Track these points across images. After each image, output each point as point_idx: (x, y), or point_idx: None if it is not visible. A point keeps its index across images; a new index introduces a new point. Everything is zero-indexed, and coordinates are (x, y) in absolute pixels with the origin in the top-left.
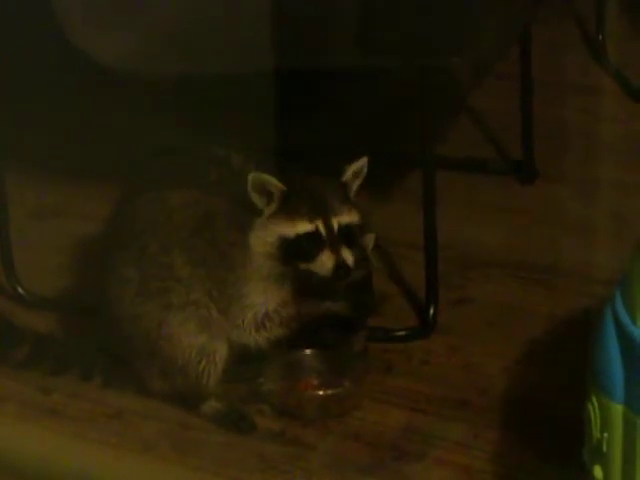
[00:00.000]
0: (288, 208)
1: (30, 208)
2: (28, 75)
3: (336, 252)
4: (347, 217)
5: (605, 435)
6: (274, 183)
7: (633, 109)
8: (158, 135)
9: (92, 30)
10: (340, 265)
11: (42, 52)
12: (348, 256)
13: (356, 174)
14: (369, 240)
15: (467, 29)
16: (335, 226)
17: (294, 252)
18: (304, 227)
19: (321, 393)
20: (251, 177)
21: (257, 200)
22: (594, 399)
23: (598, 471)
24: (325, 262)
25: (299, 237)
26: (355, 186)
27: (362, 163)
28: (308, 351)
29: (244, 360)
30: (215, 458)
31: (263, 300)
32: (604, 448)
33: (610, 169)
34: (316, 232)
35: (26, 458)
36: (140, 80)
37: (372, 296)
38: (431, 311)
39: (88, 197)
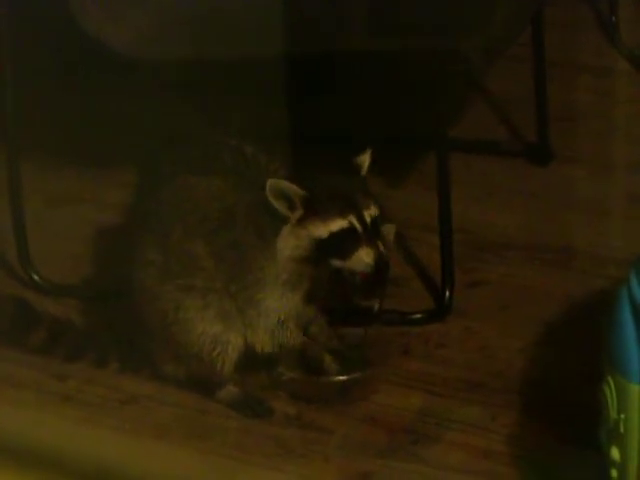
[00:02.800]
0: (316, 209)
1: (45, 195)
2: (43, 63)
3: (374, 246)
4: (374, 210)
5: (622, 416)
6: (293, 189)
7: None
8: (172, 122)
9: (103, 15)
10: (380, 258)
11: (56, 39)
12: (384, 249)
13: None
14: (389, 231)
15: (479, 12)
16: (368, 220)
17: (330, 251)
18: (337, 224)
19: (340, 379)
20: (269, 184)
21: (278, 206)
22: (610, 380)
23: (615, 452)
24: (364, 257)
25: (333, 235)
26: None
27: (369, 153)
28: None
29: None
30: (231, 443)
31: (278, 307)
32: (621, 429)
33: (624, 150)
34: (351, 227)
35: (42, 444)
36: (153, 67)
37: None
38: (447, 294)
39: (103, 184)
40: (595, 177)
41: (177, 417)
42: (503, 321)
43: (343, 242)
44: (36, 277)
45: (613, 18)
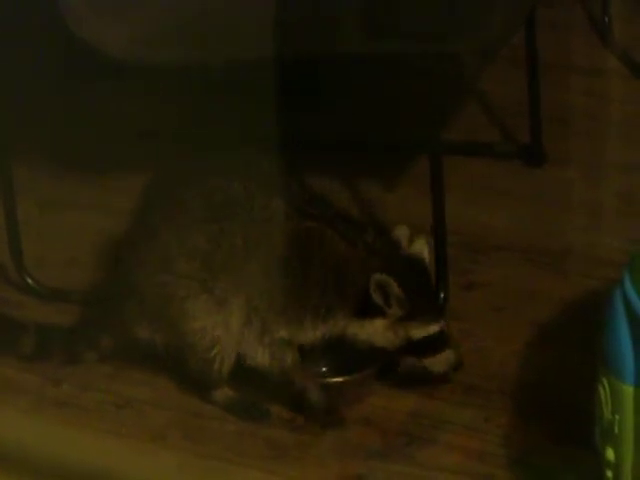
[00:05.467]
0: (413, 312)
1: (39, 200)
2: (37, 67)
3: (456, 349)
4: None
5: (616, 417)
6: (396, 291)
7: None
8: (166, 126)
9: (96, 20)
10: (458, 360)
11: (50, 42)
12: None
13: None
14: (403, 233)
15: (472, 14)
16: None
17: (419, 350)
18: (434, 329)
19: (334, 381)
20: (376, 279)
21: (378, 299)
22: (605, 381)
23: (610, 453)
24: (449, 359)
25: (428, 338)
26: None
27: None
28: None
29: None
30: (226, 446)
31: (287, 334)
32: (615, 430)
33: (618, 151)
34: (441, 331)
35: (37, 450)
36: (144, 70)
37: None
38: (441, 296)
39: (97, 189)
40: (588, 178)
41: (172, 420)
42: (497, 323)
43: (433, 343)
44: (30, 281)
45: (606, 19)
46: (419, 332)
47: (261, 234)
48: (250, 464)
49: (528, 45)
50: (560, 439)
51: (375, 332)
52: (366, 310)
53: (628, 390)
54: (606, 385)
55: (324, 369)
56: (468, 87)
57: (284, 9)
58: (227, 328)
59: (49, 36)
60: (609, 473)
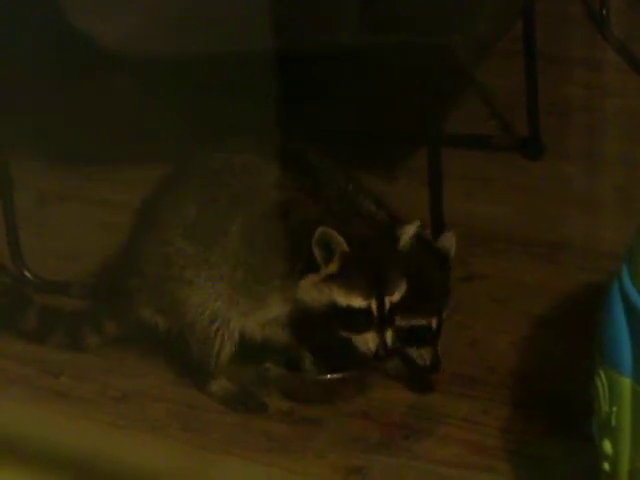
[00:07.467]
0: (346, 276)
1: (36, 193)
2: (32, 60)
3: (381, 334)
4: (397, 295)
5: (614, 409)
6: (340, 242)
7: (638, 83)
8: (160, 119)
9: (94, 12)
10: (382, 347)
11: (44, 35)
12: (390, 338)
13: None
14: (450, 239)
15: (467, 6)
16: (387, 307)
17: (341, 320)
18: (358, 302)
19: (327, 377)
20: (319, 232)
21: (318, 254)
22: (602, 373)
23: (607, 445)
24: (368, 341)
25: (350, 309)
26: None
27: (416, 226)
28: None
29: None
30: (224, 438)
31: (276, 307)
32: (613, 422)
33: (616, 144)
34: (368, 310)
35: (35, 441)
36: (141, 63)
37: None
38: None
39: (94, 181)
40: (586, 170)
41: (171, 412)
42: (495, 315)
43: (356, 318)
44: (28, 274)
45: (603, 11)
46: (341, 298)
47: (241, 206)
48: (249, 456)
49: (526, 38)
50: (558, 431)
51: (304, 289)
52: (307, 268)
53: (625, 382)
54: (603, 377)
55: (321, 366)
56: (465, 79)
57: (279, 4)
58: (224, 301)
59: (48, 30)
60: (606, 465)
